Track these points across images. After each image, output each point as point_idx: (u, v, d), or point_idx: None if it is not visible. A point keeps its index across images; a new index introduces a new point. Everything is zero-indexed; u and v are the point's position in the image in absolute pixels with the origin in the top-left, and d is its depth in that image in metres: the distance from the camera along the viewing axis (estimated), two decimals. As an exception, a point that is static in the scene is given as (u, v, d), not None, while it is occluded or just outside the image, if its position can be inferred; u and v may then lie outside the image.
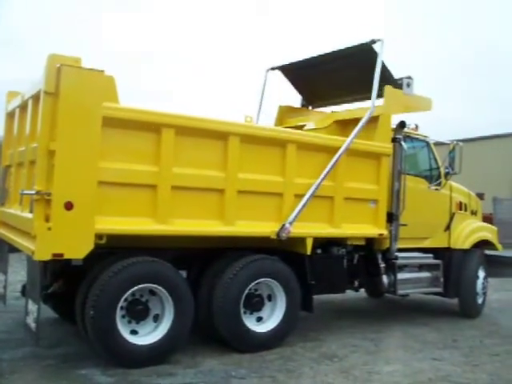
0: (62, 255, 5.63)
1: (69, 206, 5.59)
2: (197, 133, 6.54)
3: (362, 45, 8.32)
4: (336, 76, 9.43)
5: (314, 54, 9.17)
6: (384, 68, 8.40)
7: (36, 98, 6.21)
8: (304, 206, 7.20)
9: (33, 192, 5.64)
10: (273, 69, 10.04)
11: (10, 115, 7.76)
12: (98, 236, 5.85)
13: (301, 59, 9.39)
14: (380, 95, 8.68)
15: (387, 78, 8.56)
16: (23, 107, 6.98)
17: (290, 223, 7.07)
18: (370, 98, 8.25)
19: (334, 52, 8.81)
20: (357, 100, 9.59)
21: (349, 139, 7.64)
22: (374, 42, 8.19)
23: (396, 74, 8.71)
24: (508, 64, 66.57)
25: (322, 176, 7.35)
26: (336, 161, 7.47)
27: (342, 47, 8.64)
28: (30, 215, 5.81)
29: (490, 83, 69.50)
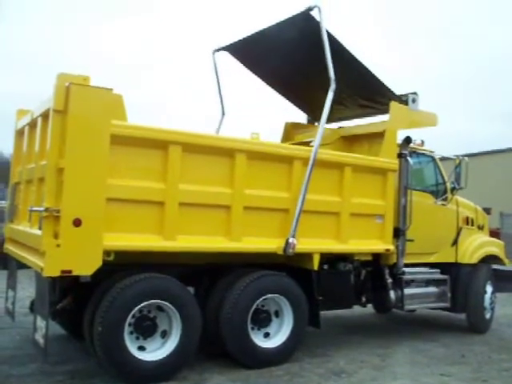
0: (70, 272, 5.67)
1: (77, 222, 5.64)
2: (204, 150, 6.60)
3: (300, 13, 7.38)
4: (285, 50, 8.49)
5: (258, 29, 8.18)
6: (382, 84, 8.38)
7: (45, 115, 6.29)
8: (298, 218, 7.09)
9: (42, 209, 5.69)
10: (218, 50, 9.17)
11: (20, 133, 7.84)
12: (106, 252, 5.89)
13: (245, 36, 8.45)
14: (386, 111, 8.75)
15: (387, 93, 8.57)
16: (32, 125, 7.06)
17: (293, 237, 7.07)
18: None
19: (276, 24, 7.82)
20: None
21: (315, 147, 7.27)
22: (310, 9, 7.25)
23: (399, 90, 8.77)
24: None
25: (303, 189, 7.13)
26: (310, 172, 7.15)
27: (283, 18, 7.69)
28: (38, 232, 5.86)
29: (493, 97, 69.67)
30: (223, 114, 9.65)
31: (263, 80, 9.89)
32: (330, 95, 7.34)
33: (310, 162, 7.17)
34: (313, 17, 7.31)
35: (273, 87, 10.05)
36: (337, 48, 7.58)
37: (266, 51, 8.80)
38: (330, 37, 7.39)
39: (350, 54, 7.91)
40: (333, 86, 7.30)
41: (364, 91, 8.88)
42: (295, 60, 8.75)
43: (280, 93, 10.19)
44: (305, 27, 7.53)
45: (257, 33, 8.20)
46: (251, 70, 9.65)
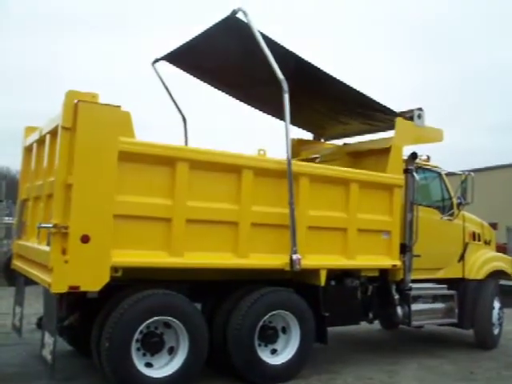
0: (78, 288, 5.70)
1: (85, 239, 5.68)
2: (211, 166, 6.63)
3: (225, 18, 7.03)
4: (232, 59, 8.28)
5: (191, 36, 7.78)
6: (369, 98, 8.26)
7: (54, 132, 6.35)
8: (295, 234, 6.97)
9: (50, 225, 5.72)
10: (157, 61, 8.71)
11: (28, 149, 7.91)
12: (114, 269, 5.92)
13: (183, 43, 7.99)
14: (391, 127, 8.78)
15: (381, 108, 8.58)
16: (41, 142, 7.12)
17: (295, 253, 6.99)
18: None
19: (206, 30, 7.46)
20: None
21: (287, 158, 7.00)
22: (235, 12, 6.86)
23: (404, 105, 8.77)
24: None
25: (290, 203, 6.95)
26: (290, 185, 6.92)
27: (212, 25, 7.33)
28: (47, 248, 5.89)
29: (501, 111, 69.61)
30: (184, 120, 9.39)
31: (198, 77, 9.30)
32: (285, 97, 6.86)
33: (288, 175, 6.97)
34: (240, 20, 6.93)
35: (242, 101, 9.78)
36: (286, 55, 7.29)
37: (209, 59, 8.46)
38: (269, 40, 7.00)
39: (313, 66, 7.61)
40: (285, 88, 6.84)
41: (354, 107, 8.88)
42: (249, 68, 8.38)
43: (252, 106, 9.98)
44: (239, 32, 7.17)
45: (191, 40, 7.85)
46: (192, 74, 9.17)
